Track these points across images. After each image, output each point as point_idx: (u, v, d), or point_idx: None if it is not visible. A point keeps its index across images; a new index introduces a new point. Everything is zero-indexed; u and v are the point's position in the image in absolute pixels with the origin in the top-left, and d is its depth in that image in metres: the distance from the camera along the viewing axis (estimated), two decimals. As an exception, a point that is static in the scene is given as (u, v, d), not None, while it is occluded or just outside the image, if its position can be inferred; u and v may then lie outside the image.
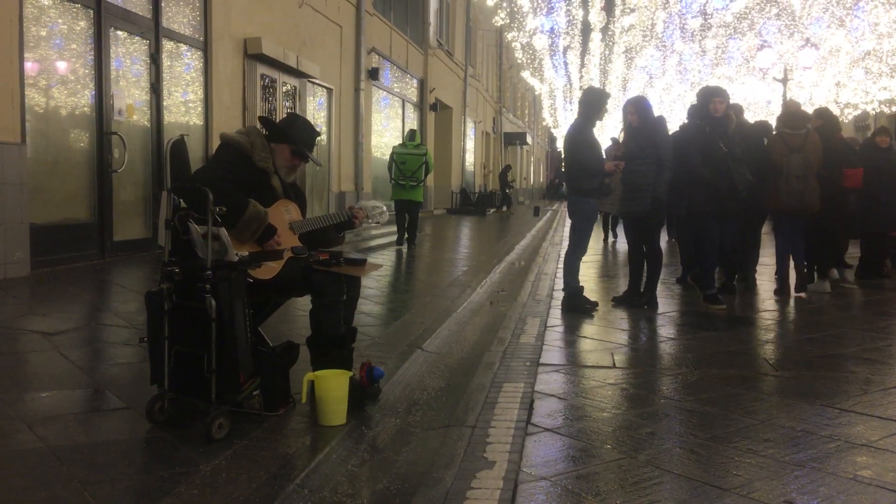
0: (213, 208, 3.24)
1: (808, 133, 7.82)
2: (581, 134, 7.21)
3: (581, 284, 7.28)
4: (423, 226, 17.06)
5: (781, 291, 8.07)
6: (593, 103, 7.19)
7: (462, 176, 28.72)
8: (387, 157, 19.86)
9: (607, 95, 7.64)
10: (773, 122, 9.20)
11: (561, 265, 11.22)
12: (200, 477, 2.87)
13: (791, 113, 8.43)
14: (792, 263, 8.09)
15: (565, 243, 15.47)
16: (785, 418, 3.88)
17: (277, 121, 4.15)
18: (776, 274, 8.60)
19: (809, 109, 25.48)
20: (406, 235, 12.79)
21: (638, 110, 7.38)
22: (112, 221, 8.50)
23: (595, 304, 7.25)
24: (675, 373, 4.84)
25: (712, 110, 7.26)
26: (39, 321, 5.42)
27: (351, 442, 3.42)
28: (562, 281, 7.40)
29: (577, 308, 7.07)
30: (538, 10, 24.64)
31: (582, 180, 7.20)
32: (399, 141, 20.85)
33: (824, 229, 8.35)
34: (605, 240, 15.39)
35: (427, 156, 13.04)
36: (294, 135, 3.98)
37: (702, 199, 7.19)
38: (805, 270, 8.20)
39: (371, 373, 3.88)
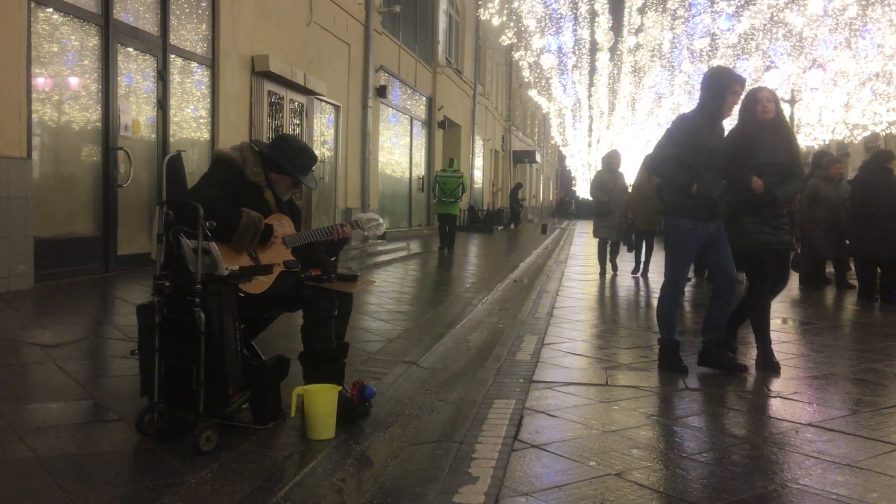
0: (204, 223, 3.30)
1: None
2: (680, 127, 5.37)
3: (677, 339, 5.57)
4: (430, 244, 17.37)
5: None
6: (713, 87, 5.29)
7: (470, 193, 28.81)
8: (395, 174, 20.42)
9: (737, 79, 5.36)
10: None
11: (565, 283, 11.27)
12: (185, 488, 2.90)
13: None
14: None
15: (571, 261, 15.61)
16: (772, 438, 3.89)
17: (269, 145, 4.18)
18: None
19: (819, 130, 25.63)
20: (447, 241, 16.00)
21: (777, 101, 5.52)
22: (116, 235, 8.57)
23: (738, 363, 5.44)
24: (668, 391, 4.85)
25: None
26: (39, 333, 5.48)
27: (338, 456, 3.45)
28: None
29: (671, 367, 5.42)
30: (546, 29, 24.81)
31: (669, 192, 5.52)
32: (407, 159, 21.40)
33: None
34: (603, 274, 12.48)
35: (463, 178, 16.59)
36: (294, 167, 4.05)
37: None
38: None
39: (363, 392, 3.90)
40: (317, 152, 5.45)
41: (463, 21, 28.07)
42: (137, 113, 9.02)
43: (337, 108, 15.52)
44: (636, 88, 35.38)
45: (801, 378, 5.31)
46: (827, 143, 26.22)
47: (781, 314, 8.53)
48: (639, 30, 27.21)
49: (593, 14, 27.02)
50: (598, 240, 12.84)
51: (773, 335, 5.59)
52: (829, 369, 5.61)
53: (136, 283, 7.84)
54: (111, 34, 8.40)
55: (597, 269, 12.77)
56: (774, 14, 21.02)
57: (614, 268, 12.80)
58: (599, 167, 13.38)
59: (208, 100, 10.50)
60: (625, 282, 11.25)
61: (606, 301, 9.64)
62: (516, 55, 28.30)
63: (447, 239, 16.01)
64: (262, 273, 3.72)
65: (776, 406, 4.57)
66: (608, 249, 12.73)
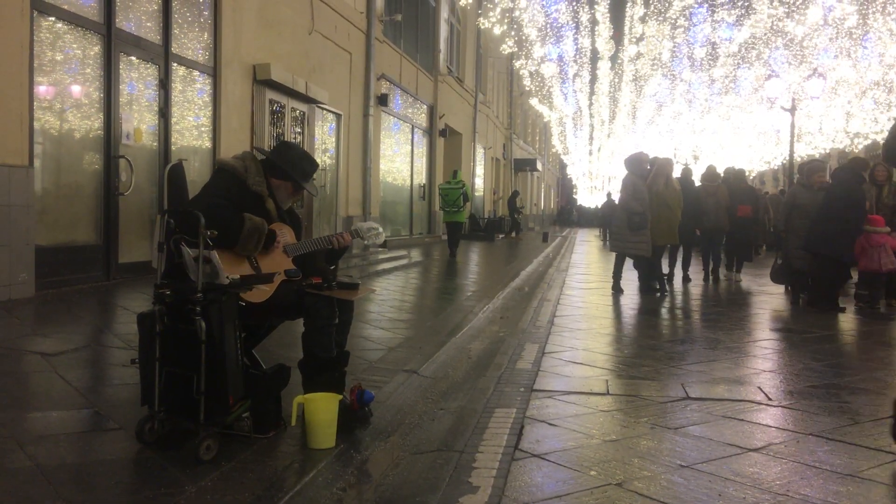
0: (205, 232, 3.31)
1: (719, 185, 13.17)
2: None
3: None
4: (431, 252, 17.41)
5: (706, 278, 13.25)
6: None
7: (471, 201, 28.81)
8: (396, 182, 20.50)
9: None
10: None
11: (566, 291, 11.24)
12: (185, 498, 2.90)
13: (710, 173, 13.45)
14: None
15: (571, 270, 15.58)
16: (773, 447, 3.87)
17: (272, 150, 4.22)
18: (703, 269, 13.48)
19: (819, 138, 25.68)
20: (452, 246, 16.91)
21: None
22: (118, 244, 8.58)
23: None
24: (669, 400, 4.84)
25: None
26: (40, 342, 5.49)
27: (338, 465, 3.44)
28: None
29: None
30: (546, 38, 24.88)
31: None
32: (408, 167, 21.47)
33: (734, 240, 13.46)
34: (662, 289, 10.90)
35: (465, 188, 17.20)
36: (296, 172, 4.07)
37: None
38: (713, 267, 13.30)
39: (361, 396, 3.90)
40: (318, 160, 5.47)
41: (464, 30, 28.13)
42: (139, 121, 9.04)
43: (338, 116, 15.55)
44: (637, 97, 35.46)
45: (801, 387, 5.29)
46: (828, 151, 26.29)
47: (781, 324, 8.54)
48: (640, 39, 27.30)
49: (594, 23, 27.11)
50: (615, 255, 11.01)
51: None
52: (829, 378, 5.60)
53: (137, 292, 7.84)
54: (113, 43, 8.43)
55: (600, 277, 12.19)
56: (774, 23, 21.07)
57: (663, 289, 10.92)
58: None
59: (210, 108, 10.52)
60: (627, 289, 11.21)
61: (607, 310, 9.62)
62: (517, 64, 28.36)
63: (452, 245, 16.86)
64: (263, 282, 3.72)
65: (777, 415, 4.56)
66: (624, 265, 11.07)
